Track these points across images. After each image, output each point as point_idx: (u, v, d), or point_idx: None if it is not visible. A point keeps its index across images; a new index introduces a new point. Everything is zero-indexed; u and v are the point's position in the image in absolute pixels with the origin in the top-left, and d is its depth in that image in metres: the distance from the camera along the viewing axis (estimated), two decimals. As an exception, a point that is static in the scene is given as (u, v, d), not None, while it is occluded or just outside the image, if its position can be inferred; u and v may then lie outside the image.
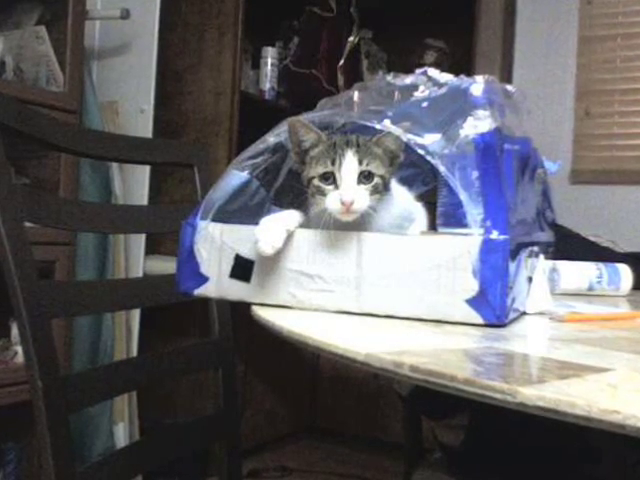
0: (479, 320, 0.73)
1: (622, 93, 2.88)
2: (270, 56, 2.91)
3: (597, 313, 0.94)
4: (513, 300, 0.77)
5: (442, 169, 0.77)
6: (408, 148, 0.81)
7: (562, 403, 0.45)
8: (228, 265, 0.84)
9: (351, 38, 3.11)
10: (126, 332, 2.31)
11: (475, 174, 0.77)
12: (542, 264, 0.91)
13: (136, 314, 2.34)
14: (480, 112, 0.80)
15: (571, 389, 0.48)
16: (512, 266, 0.76)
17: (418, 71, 0.88)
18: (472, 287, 0.73)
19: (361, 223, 0.80)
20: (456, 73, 0.88)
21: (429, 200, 0.91)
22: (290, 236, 0.81)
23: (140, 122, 2.37)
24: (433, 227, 0.83)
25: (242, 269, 0.84)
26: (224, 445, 1.25)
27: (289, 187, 0.89)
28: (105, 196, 2.25)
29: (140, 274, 2.33)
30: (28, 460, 2.01)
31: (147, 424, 2.36)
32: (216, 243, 0.85)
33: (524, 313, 0.85)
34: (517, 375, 0.56)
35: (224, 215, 0.86)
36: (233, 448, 1.25)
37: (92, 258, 2.19)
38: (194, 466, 2.32)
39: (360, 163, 0.80)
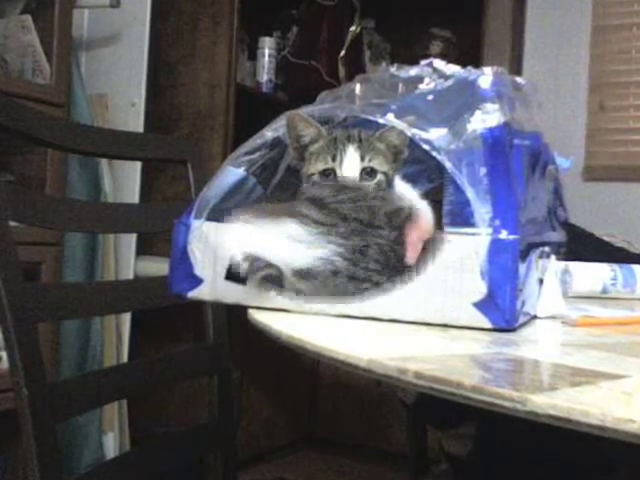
0: (487, 324, 0.73)
1: (638, 85, 2.88)
2: (268, 47, 2.91)
3: (611, 317, 0.94)
4: (523, 303, 0.77)
5: (448, 165, 0.77)
6: (413, 143, 0.81)
7: (575, 412, 0.45)
8: (223, 267, 0.84)
9: (353, 28, 3.11)
10: (116, 337, 2.31)
11: (483, 170, 0.77)
12: (554, 265, 0.91)
13: (127, 318, 2.34)
14: (488, 105, 0.80)
15: (584, 397, 0.48)
16: (522, 267, 0.76)
17: (423, 62, 0.88)
18: (480, 289, 0.73)
19: (363, 222, 0.80)
20: (463, 64, 0.88)
21: (435, 198, 0.91)
22: (289, 236, 0.81)
23: (131, 116, 2.37)
24: (439, 226, 0.83)
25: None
26: (219, 456, 1.25)
27: (287, 184, 0.89)
28: (94, 194, 2.26)
29: (131, 276, 2.33)
30: (13, 471, 2.01)
31: (138, 434, 2.36)
32: (211, 243, 0.85)
33: (535, 317, 0.85)
34: (527, 382, 0.56)
35: (219, 214, 0.86)
36: (229, 459, 1.25)
37: (80, 259, 2.19)
38: (188, 478, 2.32)
39: (362, 159, 0.80)
